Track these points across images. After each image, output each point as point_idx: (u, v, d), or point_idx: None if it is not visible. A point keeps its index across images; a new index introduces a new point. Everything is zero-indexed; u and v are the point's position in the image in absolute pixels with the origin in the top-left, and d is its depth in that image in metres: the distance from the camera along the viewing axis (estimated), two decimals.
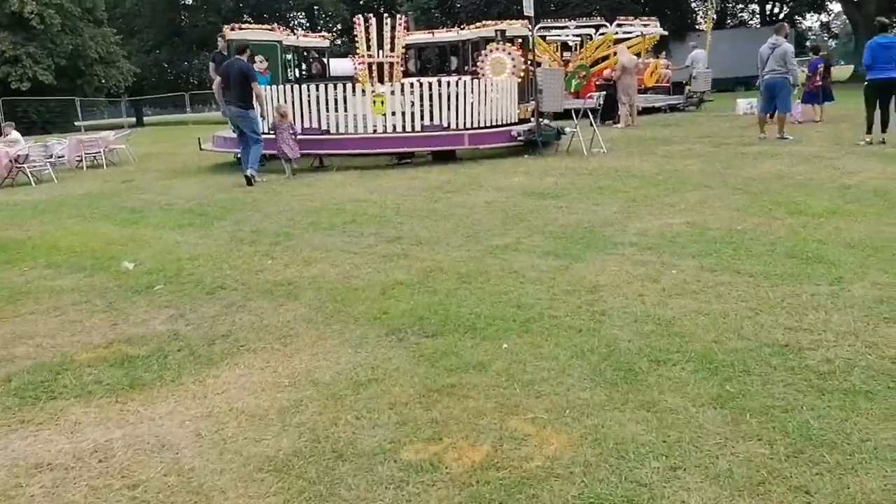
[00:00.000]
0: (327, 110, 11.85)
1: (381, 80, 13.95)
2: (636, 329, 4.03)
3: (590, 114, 12.48)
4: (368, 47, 14.14)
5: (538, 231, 6.49)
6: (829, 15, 58.96)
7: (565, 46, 24.31)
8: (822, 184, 8.11)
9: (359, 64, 14.05)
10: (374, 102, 11.68)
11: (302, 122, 11.98)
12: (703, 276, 4.90)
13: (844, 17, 63.90)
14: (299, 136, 11.78)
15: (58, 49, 40.48)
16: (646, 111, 18.95)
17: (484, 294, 4.80)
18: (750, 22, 53.43)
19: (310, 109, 11.88)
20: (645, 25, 22.08)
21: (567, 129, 12.21)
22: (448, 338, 4.09)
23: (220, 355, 4.14)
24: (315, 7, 59.93)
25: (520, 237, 6.30)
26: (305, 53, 15.56)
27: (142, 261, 6.34)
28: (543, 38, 23.14)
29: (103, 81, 44.42)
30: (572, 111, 12.77)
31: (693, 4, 50.03)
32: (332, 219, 7.62)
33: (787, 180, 8.43)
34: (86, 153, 16.51)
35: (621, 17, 22.07)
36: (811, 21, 58.99)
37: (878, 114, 11.22)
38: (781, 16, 50.95)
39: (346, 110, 11.81)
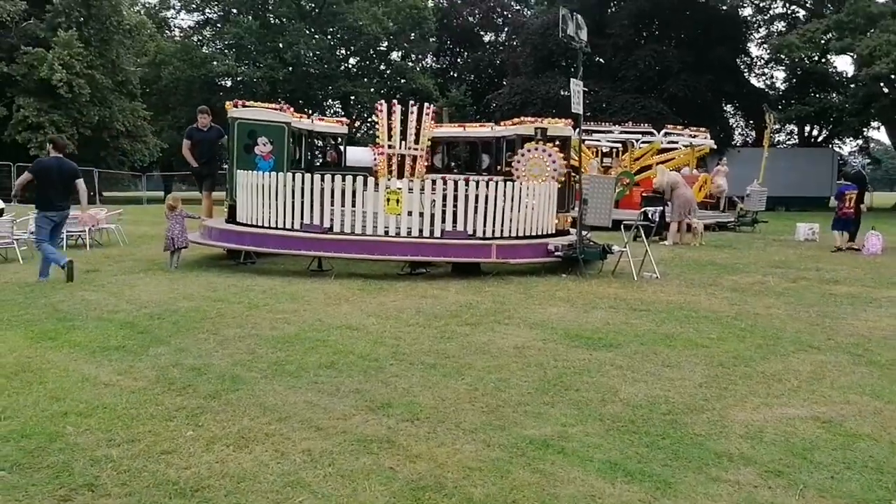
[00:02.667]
0: (332, 205, 10.03)
1: (400, 175, 12.25)
2: None
3: (641, 230, 10.55)
4: (390, 137, 12.51)
5: (593, 413, 4.41)
6: (870, 141, 57.47)
7: (603, 153, 22.75)
8: None
9: (378, 154, 12.37)
10: (388, 200, 9.85)
11: (302, 216, 10.16)
12: None
13: (875, 143, 62.76)
14: (298, 234, 10.00)
15: (83, 119, 39.93)
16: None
17: None
18: (787, 143, 52.20)
19: (312, 202, 10.07)
20: (693, 136, 20.53)
21: (615, 248, 10.25)
22: None
23: None
24: (351, 97, 59.70)
25: (566, 423, 4.22)
26: (321, 140, 13.93)
27: (13, 412, 4.33)
28: (582, 141, 21.62)
29: (127, 155, 43.89)
30: (622, 225, 10.85)
31: (731, 120, 49.09)
32: (305, 357, 5.60)
33: None
34: (67, 232, 14.80)
35: (669, 126, 20.53)
36: (851, 145, 57.53)
37: None
38: (821, 139, 49.73)
39: (353, 206, 10.00)
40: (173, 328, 6.59)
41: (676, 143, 20.87)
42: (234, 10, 55.75)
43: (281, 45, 52.71)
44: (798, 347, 6.14)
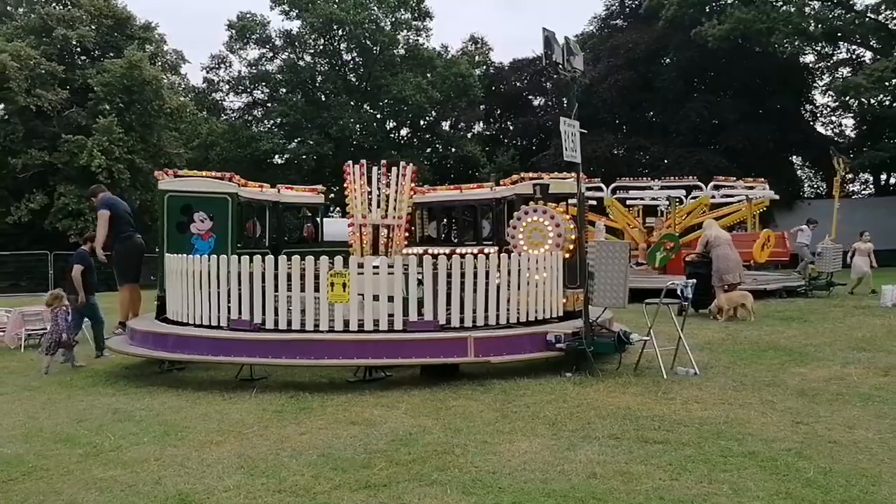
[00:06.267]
0: (263, 295, 7.84)
1: (375, 250, 10.05)
2: None
3: (671, 308, 8.00)
4: (367, 205, 10.37)
5: None
6: None
7: (649, 211, 20.17)
8: None
9: (349, 227, 10.22)
10: (332, 284, 7.60)
11: (228, 311, 8.00)
12: None
13: None
14: (222, 335, 7.85)
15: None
16: (755, 295, 13.91)
17: None
18: (863, 192, 48.18)
19: (240, 292, 7.91)
20: (750, 188, 17.80)
21: (634, 337, 7.70)
22: None
23: None
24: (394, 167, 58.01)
25: None
26: (291, 212, 11.91)
27: None
28: (623, 201, 19.16)
29: None
30: (644, 304, 8.30)
31: (798, 172, 45.63)
32: None
33: None
34: (26, 330, 13.00)
35: (719, 178, 17.83)
36: None
37: None
38: None
39: (290, 291, 7.82)
40: None
41: (731, 196, 18.18)
42: (283, 90, 55.81)
43: (328, 120, 52.12)
44: None
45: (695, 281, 8.36)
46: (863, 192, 47.98)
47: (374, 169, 10.35)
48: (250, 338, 7.64)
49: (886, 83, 30.96)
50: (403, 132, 58.72)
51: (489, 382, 7.29)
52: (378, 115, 56.04)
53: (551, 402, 6.43)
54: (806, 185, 46.81)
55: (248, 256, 8.02)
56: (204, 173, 9.80)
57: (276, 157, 54.15)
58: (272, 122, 55.52)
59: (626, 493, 4.14)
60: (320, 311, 7.69)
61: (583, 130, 7.80)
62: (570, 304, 8.94)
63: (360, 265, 7.75)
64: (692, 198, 18.17)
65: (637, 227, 18.76)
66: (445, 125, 58.33)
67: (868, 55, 39.97)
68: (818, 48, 41.85)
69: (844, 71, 43.46)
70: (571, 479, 4.40)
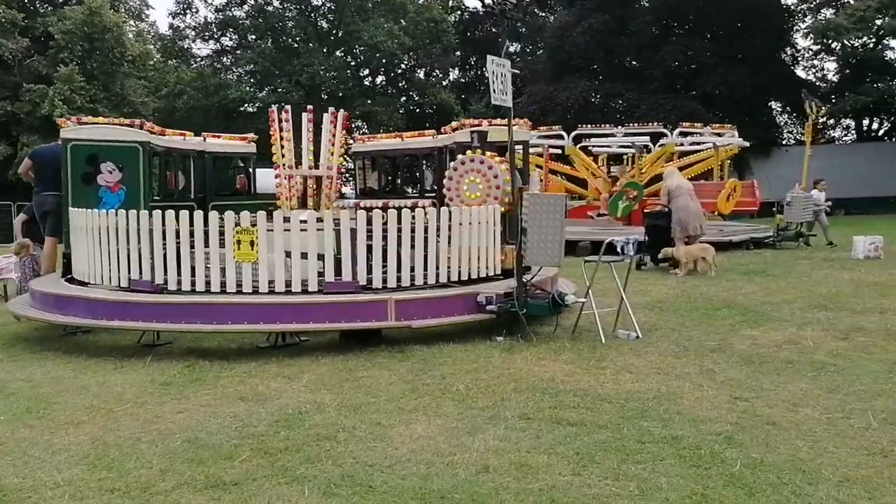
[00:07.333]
0: (164, 251, 7.11)
1: (304, 203, 9.31)
2: None
3: (613, 266, 7.33)
4: (296, 154, 9.57)
5: None
6: None
7: (616, 158, 19.44)
8: None
9: (275, 178, 9.43)
10: (239, 243, 6.87)
11: (129, 270, 7.27)
12: None
13: None
14: (123, 297, 7.13)
15: None
16: (720, 247, 13.33)
17: None
18: (844, 138, 47.51)
19: (139, 250, 7.17)
20: (718, 135, 17.07)
21: (569, 298, 7.04)
22: None
23: None
24: (374, 116, 56.57)
25: None
26: (219, 162, 11.07)
27: None
28: (586, 148, 18.40)
29: None
30: (583, 262, 7.66)
31: (778, 118, 44.81)
32: None
33: None
34: None
35: (685, 124, 17.05)
36: None
37: None
38: (882, 132, 45.03)
39: (192, 247, 7.09)
40: None
41: (699, 143, 17.47)
42: (252, 37, 53.83)
43: (298, 67, 50.43)
44: None
45: (637, 237, 7.68)
46: (844, 137, 47.32)
47: (303, 115, 9.53)
48: (150, 301, 6.92)
49: (869, 24, 30.02)
50: (378, 80, 57.17)
51: (410, 349, 6.64)
52: (351, 63, 54.47)
53: (470, 373, 5.79)
54: (785, 131, 46.15)
55: (146, 211, 7.25)
56: (112, 120, 8.95)
57: (248, 105, 52.51)
58: (241, 70, 53.75)
59: (515, 493, 3.51)
60: (227, 270, 6.98)
61: (514, 70, 7.02)
62: (510, 262, 8.26)
63: (270, 219, 7.01)
64: (660, 145, 17.45)
65: (601, 176, 18.06)
66: (420, 73, 56.88)
67: None
68: None
69: (828, 13, 42.32)
70: (458, 475, 3.76)
